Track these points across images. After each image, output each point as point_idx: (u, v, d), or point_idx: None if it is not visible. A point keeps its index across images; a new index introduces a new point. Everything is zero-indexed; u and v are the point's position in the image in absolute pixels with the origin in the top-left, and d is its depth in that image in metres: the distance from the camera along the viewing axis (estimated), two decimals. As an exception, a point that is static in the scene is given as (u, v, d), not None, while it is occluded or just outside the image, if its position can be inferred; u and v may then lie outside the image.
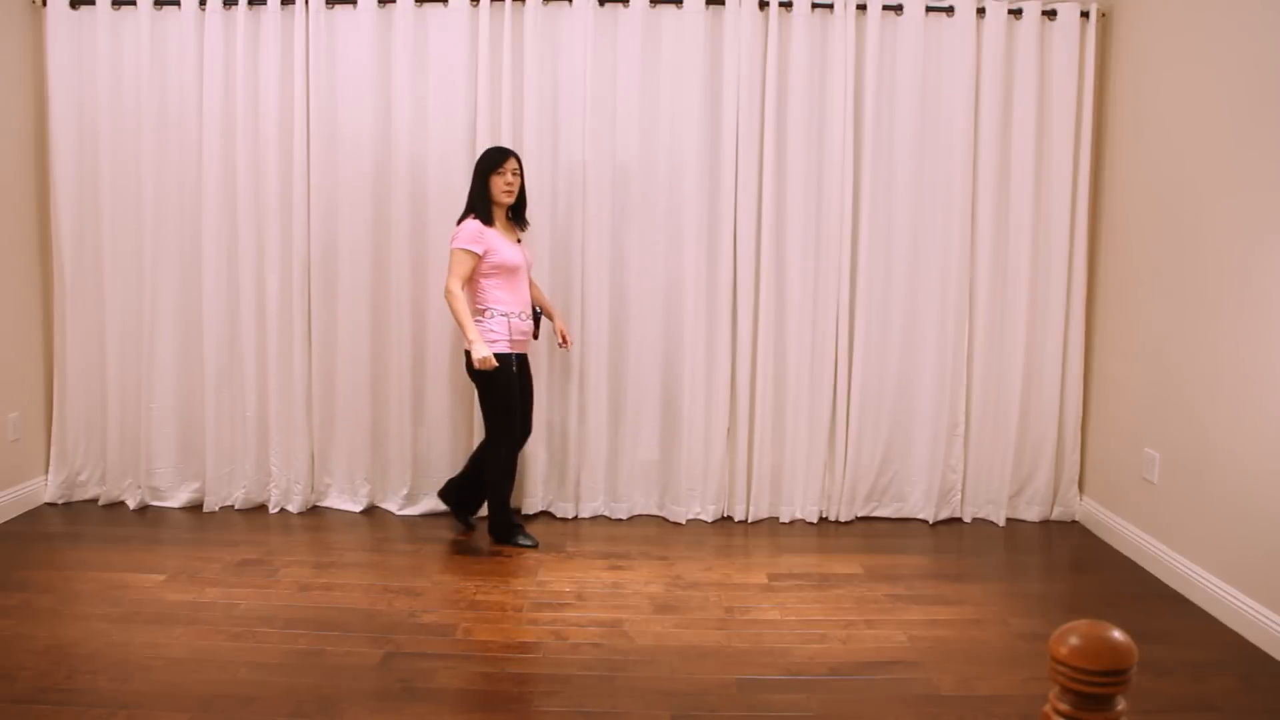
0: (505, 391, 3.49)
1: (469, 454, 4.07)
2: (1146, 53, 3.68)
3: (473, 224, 3.44)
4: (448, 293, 3.40)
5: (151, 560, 3.47)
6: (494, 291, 3.50)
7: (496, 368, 3.38)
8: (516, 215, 3.66)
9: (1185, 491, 3.36)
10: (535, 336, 3.66)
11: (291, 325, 4.00)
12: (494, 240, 3.46)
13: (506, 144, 3.87)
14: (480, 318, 3.50)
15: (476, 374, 3.47)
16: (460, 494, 3.84)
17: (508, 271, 3.49)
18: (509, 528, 3.69)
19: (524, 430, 3.73)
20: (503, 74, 3.86)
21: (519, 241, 3.62)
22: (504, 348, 3.47)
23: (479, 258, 3.43)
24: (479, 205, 3.48)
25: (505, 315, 3.49)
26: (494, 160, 3.49)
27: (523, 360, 3.65)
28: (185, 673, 2.63)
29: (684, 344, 3.99)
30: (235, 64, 3.88)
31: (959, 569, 3.56)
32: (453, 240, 3.46)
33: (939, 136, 3.94)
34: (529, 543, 3.66)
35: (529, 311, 3.59)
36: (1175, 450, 3.43)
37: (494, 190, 3.49)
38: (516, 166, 3.53)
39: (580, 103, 3.89)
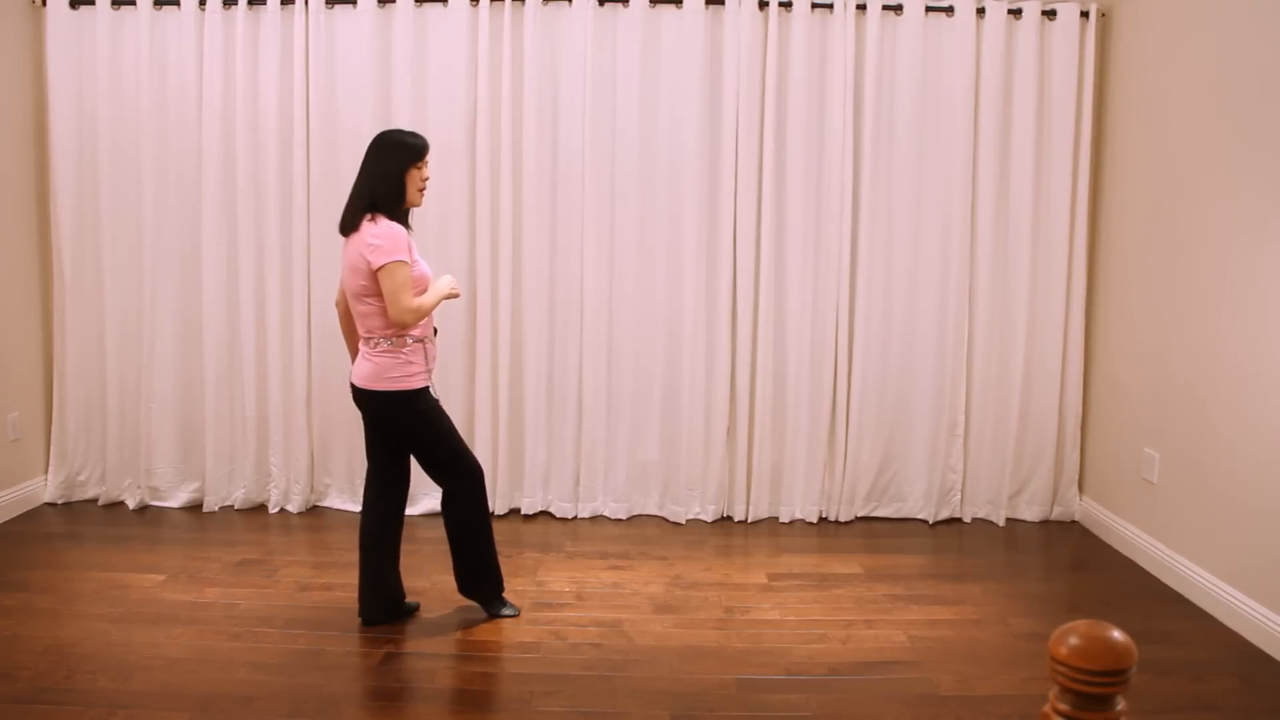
0: (447, 424, 2.93)
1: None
2: (1146, 53, 3.68)
3: (395, 228, 2.74)
4: (410, 312, 2.70)
5: (151, 560, 3.47)
6: None
7: (430, 404, 2.85)
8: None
9: (1185, 491, 3.36)
10: None
11: (291, 325, 4.00)
12: (414, 249, 2.83)
13: (506, 144, 3.86)
14: (395, 350, 2.79)
15: (408, 419, 2.85)
16: (476, 576, 3.05)
17: (424, 288, 2.83)
18: (499, 586, 3.09)
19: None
20: (502, 74, 3.86)
21: None
22: (423, 380, 2.85)
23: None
24: (386, 202, 2.77)
25: (421, 341, 2.86)
26: (417, 151, 2.81)
27: None
28: (185, 673, 2.63)
29: (684, 343, 3.99)
30: (235, 64, 3.88)
31: (959, 569, 3.56)
32: (371, 252, 2.68)
33: (939, 136, 3.93)
34: (511, 612, 3.08)
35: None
36: (1175, 450, 3.43)
37: (409, 188, 2.81)
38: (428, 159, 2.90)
39: (580, 102, 3.89)
